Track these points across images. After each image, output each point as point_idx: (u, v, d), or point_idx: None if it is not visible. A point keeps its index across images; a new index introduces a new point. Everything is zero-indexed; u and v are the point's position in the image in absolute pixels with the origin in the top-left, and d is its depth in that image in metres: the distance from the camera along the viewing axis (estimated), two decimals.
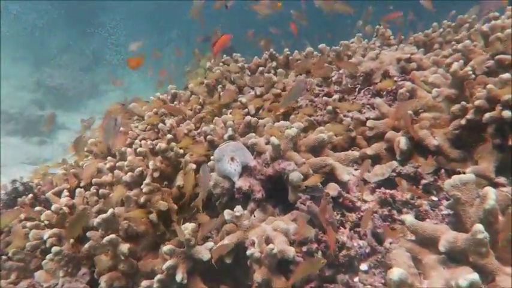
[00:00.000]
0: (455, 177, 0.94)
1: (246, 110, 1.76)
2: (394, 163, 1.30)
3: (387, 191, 1.23)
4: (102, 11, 15.66)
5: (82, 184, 1.78)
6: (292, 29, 3.52)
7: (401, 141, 1.27)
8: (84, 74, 12.42)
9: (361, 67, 1.82)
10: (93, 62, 13.59)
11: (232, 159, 1.31)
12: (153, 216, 1.41)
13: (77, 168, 2.00)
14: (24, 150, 6.97)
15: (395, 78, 1.68)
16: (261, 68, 2.15)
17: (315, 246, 1.11)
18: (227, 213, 1.19)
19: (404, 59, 1.69)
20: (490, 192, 0.86)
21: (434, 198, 1.18)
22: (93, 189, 1.57)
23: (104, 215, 1.31)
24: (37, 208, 1.67)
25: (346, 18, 4.09)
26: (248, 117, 1.55)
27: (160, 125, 1.68)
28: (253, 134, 1.48)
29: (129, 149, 1.73)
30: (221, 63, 2.21)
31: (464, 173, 1.19)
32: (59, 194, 1.77)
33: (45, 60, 12.13)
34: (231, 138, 1.48)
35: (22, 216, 1.70)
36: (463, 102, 1.24)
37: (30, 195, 1.79)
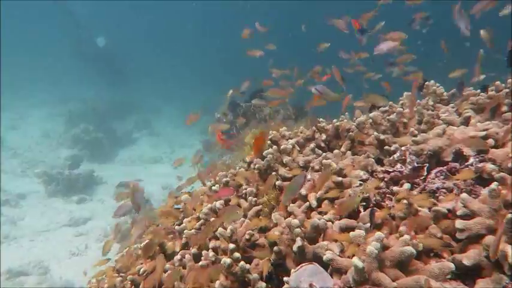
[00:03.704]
0: None
1: (307, 203, 1.63)
2: (504, 278, 1.12)
3: None
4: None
5: None
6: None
7: (511, 255, 1.10)
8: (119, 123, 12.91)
9: (427, 145, 1.68)
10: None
11: (310, 286, 1.17)
12: None
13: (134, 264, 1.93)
14: (67, 211, 7.11)
15: (471, 159, 1.52)
16: (312, 145, 2.04)
17: None
18: None
19: (480, 137, 1.53)
20: None
21: None
22: None
23: None
24: None
25: None
26: (315, 221, 1.42)
27: (221, 230, 1.58)
28: (325, 244, 1.35)
29: (187, 255, 1.64)
30: (269, 141, 2.13)
31: None
32: None
33: (80, 115, 12.67)
34: (301, 249, 1.35)
35: None
36: None
37: None
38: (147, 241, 1.85)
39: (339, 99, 2.43)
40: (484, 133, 1.53)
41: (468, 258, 1.20)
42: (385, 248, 1.26)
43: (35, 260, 5.44)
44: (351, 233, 1.29)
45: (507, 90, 1.89)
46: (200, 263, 1.49)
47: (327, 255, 1.24)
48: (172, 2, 24.73)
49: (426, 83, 2.37)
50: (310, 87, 2.40)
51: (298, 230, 1.39)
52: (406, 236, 1.23)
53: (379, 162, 1.90)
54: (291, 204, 1.63)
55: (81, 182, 8.12)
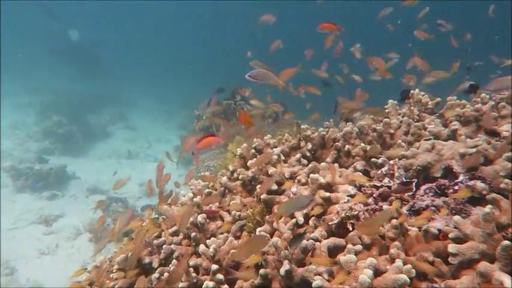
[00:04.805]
0: None
1: (294, 220, 1.57)
2: None
3: None
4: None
5: None
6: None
7: (507, 284, 1.07)
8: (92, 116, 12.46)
9: (416, 160, 1.64)
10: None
11: None
12: None
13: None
14: (37, 208, 6.80)
15: (461, 177, 1.49)
16: (298, 156, 1.97)
17: None
18: None
19: (469, 154, 1.50)
20: None
21: None
22: None
23: None
24: None
25: None
26: (303, 242, 1.36)
27: (202, 248, 1.49)
28: (314, 268, 1.28)
29: (166, 273, 1.54)
30: (253, 150, 2.04)
31: None
32: None
33: (52, 106, 12.11)
34: (288, 273, 1.29)
35: None
36: None
37: None
38: (122, 255, 1.74)
39: (280, 86, 2.18)
40: (474, 150, 1.51)
41: (462, 285, 1.17)
42: (376, 272, 1.21)
43: (1, 259, 5.16)
44: (341, 257, 1.24)
45: (493, 103, 1.88)
46: (180, 285, 1.40)
47: (316, 282, 1.18)
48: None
49: (411, 91, 2.34)
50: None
51: (285, 252, 1.32)
52: (399, 263, 1.18)
53: (366, 173, 1.86)
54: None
55: (53, 177, 7.78)
